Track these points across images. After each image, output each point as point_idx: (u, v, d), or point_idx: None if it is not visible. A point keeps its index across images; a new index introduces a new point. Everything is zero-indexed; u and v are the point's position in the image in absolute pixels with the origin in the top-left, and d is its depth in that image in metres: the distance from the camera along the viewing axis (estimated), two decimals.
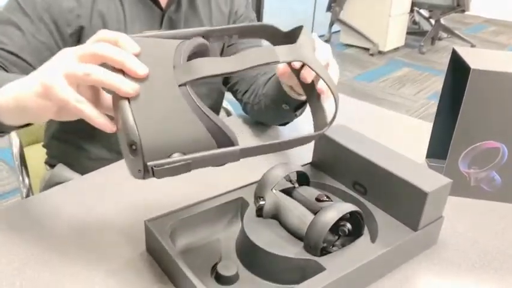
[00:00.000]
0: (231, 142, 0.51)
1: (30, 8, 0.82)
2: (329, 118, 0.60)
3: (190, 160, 0.49)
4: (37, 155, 1.17)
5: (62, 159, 1.01)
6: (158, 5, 0.90)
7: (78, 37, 0.86)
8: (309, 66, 0.58)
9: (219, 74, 0.52)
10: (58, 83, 0.50)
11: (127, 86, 0.48)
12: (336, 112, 0.59)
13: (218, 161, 0.51)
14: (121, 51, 0.49)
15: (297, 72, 0.69)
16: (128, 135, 0.48)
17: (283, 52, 0.55)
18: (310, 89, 0.67)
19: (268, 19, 0.96)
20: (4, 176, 2.15)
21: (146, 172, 0.49)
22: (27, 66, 0.82)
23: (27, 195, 1.03)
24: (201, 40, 0.58)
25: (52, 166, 1.03)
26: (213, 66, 0.52)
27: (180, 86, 0.50)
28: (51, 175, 1.00)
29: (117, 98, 0.50)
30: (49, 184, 0.99)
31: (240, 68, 0.52)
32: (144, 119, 0.49)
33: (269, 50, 0.55)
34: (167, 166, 0.49)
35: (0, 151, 2.34)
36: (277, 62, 0.54)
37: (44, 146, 1.07)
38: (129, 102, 0.49)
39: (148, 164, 0.49)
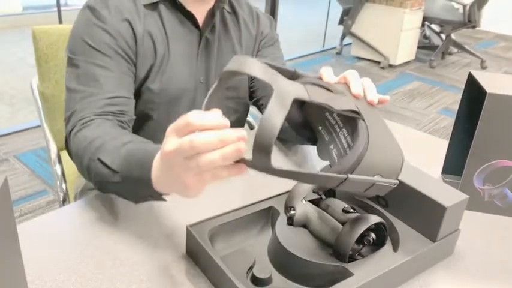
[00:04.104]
0: None
1: (104, 47, 0.87)
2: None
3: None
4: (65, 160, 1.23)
5: None
6: (197, 26, 0.97)
7: (135, 56, 0.92)
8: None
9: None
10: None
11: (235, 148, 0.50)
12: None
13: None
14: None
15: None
16: None
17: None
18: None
19: (281, 32, 1.02)
20: (26, 179, 2.22)
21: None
22: (127, 101, 0.87)
23: (64, 199, 1.10)
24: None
25: None
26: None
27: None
28: (87, 182, 1.06)
29: None
30: (85, 189, 1.06)
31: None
32: None
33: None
34: None
35: (22, 155, 2.41)
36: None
37: None
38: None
39: None
